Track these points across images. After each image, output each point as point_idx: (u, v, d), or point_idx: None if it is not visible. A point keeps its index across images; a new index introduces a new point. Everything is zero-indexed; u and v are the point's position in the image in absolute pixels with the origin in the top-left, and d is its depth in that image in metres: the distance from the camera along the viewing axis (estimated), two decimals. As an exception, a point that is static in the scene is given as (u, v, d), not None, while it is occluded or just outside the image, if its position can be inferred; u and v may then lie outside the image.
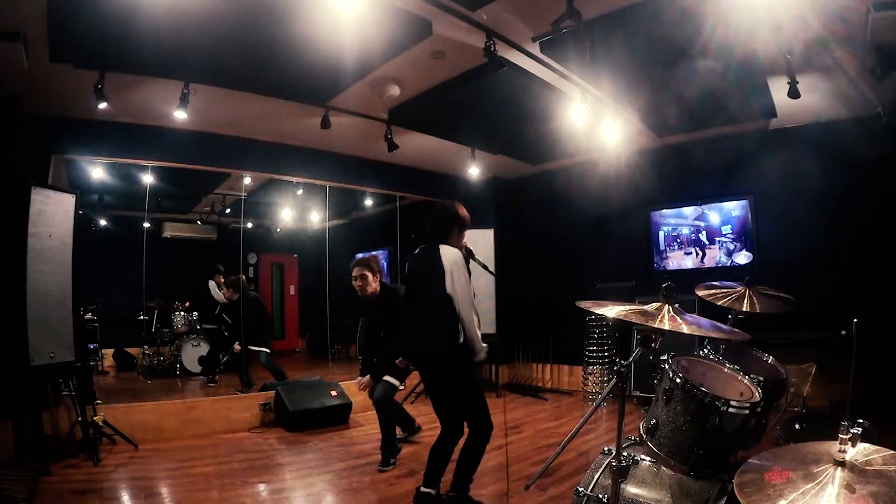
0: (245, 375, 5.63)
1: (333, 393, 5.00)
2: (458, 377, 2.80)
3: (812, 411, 2.67)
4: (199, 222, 7.99)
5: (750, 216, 5.20)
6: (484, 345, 2.78)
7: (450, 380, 2.82)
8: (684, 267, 5.63)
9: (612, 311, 1.82)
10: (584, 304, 1.96)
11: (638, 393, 5.15)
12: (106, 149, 4.74)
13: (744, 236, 5.25)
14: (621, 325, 5.48)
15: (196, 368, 6.51)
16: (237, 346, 5.72)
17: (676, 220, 5.72)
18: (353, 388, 5.33)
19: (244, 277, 6.04)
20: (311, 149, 5.77)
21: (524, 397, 6.23)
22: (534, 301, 6.61)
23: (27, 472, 3.22)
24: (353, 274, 3.80)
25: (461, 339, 2.71)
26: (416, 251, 3.02)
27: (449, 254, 2.78)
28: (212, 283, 6.48)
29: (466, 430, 2.83)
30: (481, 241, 6.49)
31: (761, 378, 2.05)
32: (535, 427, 4.79)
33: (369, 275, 3.79)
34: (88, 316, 5.77)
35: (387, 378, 3.77)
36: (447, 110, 4.67)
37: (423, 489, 2.81)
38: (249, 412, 4.80)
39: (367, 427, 4.84)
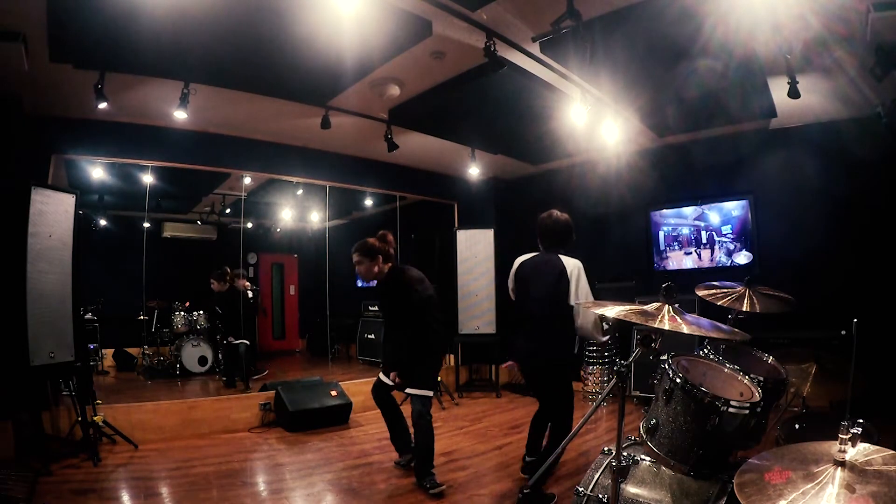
0: (245, 373, 5.68)
1: (333, 393, 5.00)
2: (566, 382, 3.08)
3: (812, 411, 2.67)
4: (199, 222, 7.99)
5: (750, 216, 5.20)
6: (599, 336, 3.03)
7: (559, 384, 3.08)
8: (684, 267, 5.63)
9: (612, 311, 1.82)
10: (583, 304, 1.96)
11: (638, 393, 5.14)
12: (106, 149, 4.74)
13: (744, 236, 5.25)
14: (621, 325, 5.48)
15: (196, 368, 6.51)
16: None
17: (676, 220, 5.71)
18: (353, 388, 5.38)
19: (230, 270, 6.21)
20: (311, 149, 5.77)
21: (524, 397, 6.22)
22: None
23: (27, 472, 3.22)
24: (354, 260, 3.37)
25: (576, 350, 3.01)
26: (532, 256, 3.19)
27: (572, 263, 3.00)
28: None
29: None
30: (482, 240, 6.51)
31: (761, 378, 2.05)
32: (535, 427, 4.78)
33: (365, 260, 3.33)
34: (88, 316, 5.78)
35: (417, 392, 3.24)
36: (447, 110, 4.67)
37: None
38: (249, 412, 4.80)
39: (367, 427, 4.84)
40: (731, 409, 1.73)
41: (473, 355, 6.79)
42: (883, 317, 3.76)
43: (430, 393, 3.30)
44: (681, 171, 5.66)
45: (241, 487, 3.27)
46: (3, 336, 3.55)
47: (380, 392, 3.57)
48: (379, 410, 3.62)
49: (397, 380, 3.40)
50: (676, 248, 5.70)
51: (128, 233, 6.79)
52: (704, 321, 1.81)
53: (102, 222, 7.12)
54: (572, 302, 2.90)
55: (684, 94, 4.14)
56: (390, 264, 3.41)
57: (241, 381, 5.60)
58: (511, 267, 3.27)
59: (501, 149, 5.95)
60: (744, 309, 2.50)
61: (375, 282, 3.47)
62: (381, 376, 3.57)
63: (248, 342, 5.95)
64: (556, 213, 3.24)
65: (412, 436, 3.38)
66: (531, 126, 5.05)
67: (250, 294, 6.53)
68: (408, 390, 3.29)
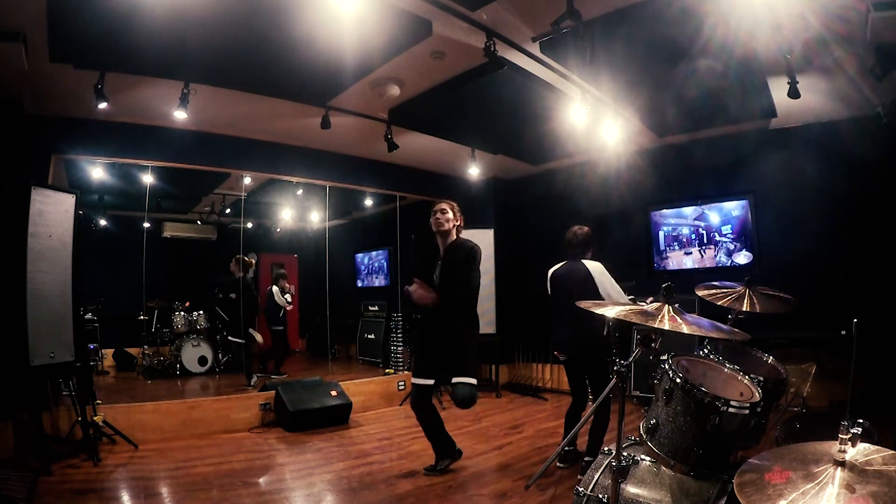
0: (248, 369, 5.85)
1: (333, 393, 5.00)
2: (604, 371, 3.39)
3: (812, 411, 2.67)
4: (199, 222, 8.00)
5: (750, 216, 5.19)
6: None
7: (596, 367, 3.44)
8: (684, 267, 5.62)
9: (612, 311, 1.82)
10: (583, 304, 1.96)
11: (638, 393, 5.15)
12: (106, 149, 4.74)
13: (744, 236, 5.25)
14: (621, 325, 5.48)
15: (196, 368, 6.52)
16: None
17: (676, 220, 5.71)
18: (353, 388, 5.38)
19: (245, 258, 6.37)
20: (311, 149, 5.77)
21: (524, 397, 6.23)
22: (534, 301, 6.60)
23: (27, 472, 3.22)
24: (436, 207, 3.40)
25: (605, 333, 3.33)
26: (561, 265, 3.69)
27: (594, 266, 3.49)
28: (275, 289, 6.75)
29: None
30: (481, 240, 6.48)
31: (761, 378, 2.05)
32: (535, 427, 4.79)
33: (450, 212, 3.38)
34: (88, 316, 5.79)
35: (466, 380, 3.20)
36: (447, 110, 4.67)
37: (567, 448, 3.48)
38: (249, 412, 4.80)
39: (367, 427, 4.85)
40: (731, 409, 1.73)
41: (473, 355, 6.78)
42: (883, 317, 3.76)
43: (475, 381, 3.24)
44: (681, 171, 5.66)
45: (241, 487, 3.27)
46: (3, 336, 3.55)
47: (421, 399, 3.34)
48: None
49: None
50: (676, 248, 5.70)
51: (128, 233, 6.80)
52: (704, 321, 1.81)
53: (102, 222, 7.13)
54: (605, 297, 3.39)
55: (684, 94, 4.14)
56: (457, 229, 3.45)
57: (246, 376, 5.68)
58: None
59: (501, 149, 5.95)
60: (744, 309, 2.50)
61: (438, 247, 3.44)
62: (420, 380, 3.33)
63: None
64: (576, 227, 3.72)
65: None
66: (531, 126, 5.05)
67: (288, 298, 6.79)
68: (455, 379, 3.18)
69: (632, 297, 3.54)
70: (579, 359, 3.55)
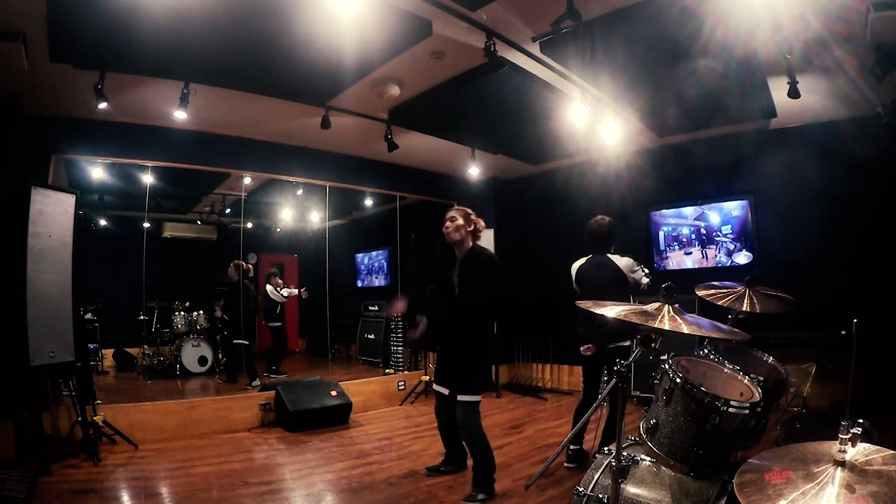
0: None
1: (333, 393, 5.00)
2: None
3: (812, 411, 2.67)
4: (199, 222, 8.00)
5: (750, 216, 5.19)
6: None
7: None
8: (684, 267, 5.62)
9: (612, 311, 1.82)
10: (583, 304, 1.96)
11: (638, 393, 5.15)
12: (106, 149, 4.73)
13: (744, 236, 5.25)
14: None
15: (196, 368, 6.52)
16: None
17: (676, 220, 5.71)
18: (353, 388, 5.38)
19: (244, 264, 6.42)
20: (311, 149, 5.77)
21: (524, 397, 6.23)
22: (534, 301, 6.61)
23: (27, 472, 3.22)
24: (447, 214, 3.24)
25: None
26: (586, 260, 3.64)
27: (625, 263, 3.45)
28: (269, 287, 6.89)
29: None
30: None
31: (761, 378, 2.05)
32: (535, 427, 4.79)
33: (460, 219, 3.19)
34: (88, 316, 5.79)
35: (463, 398, 3.05)
36: (447, 110, 4.66)
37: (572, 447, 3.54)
38: (249, 412, 4.80)
39: (367, 427, 4.85)
40: (731, 409, 1.73)
41: (473, 355, 6.78)
42: (883, 317, 3.76)
43: (477, 398, 3.07)
44: (681, 171, 5.66)
45: (241, 487, 3.27)
46: (3, 336, 3.55)
47: (440, 405, 3.32)
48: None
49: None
50: (676, 248, 5.70)
51: (128, 233, 6.79)
52: (704, 321, 1.81)
53: (102, 222, 7.12)
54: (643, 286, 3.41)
55: (684, 94, 4.14)
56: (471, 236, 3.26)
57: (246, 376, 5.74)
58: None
59: (501, 149, 5.95)
60: (744, 309, 2.50)
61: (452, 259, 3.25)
62: (437, 387, 3.31)
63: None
64: (598, 218, 3.65)
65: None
66: (531, 126, 5.05)
67: (285, 293, 6.94)
68: (464, 397, 3.05)
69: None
70: (604, 354, 3.47)
